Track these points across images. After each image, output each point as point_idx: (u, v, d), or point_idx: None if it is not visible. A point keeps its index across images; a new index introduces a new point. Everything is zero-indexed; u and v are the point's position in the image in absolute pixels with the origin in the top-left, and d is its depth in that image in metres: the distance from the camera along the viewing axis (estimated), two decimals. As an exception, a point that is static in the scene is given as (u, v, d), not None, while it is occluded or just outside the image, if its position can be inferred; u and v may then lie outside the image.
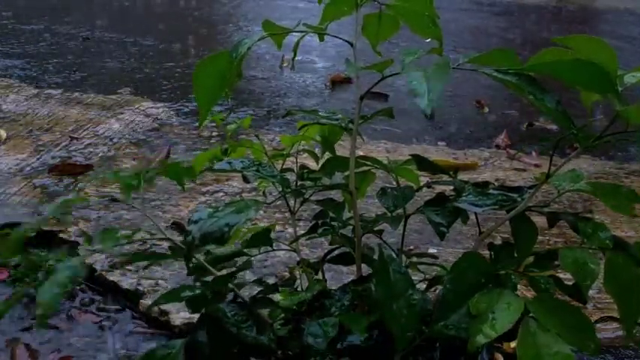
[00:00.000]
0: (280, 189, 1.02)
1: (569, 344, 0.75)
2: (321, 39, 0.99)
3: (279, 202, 1.15)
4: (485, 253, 0.90)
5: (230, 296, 0.95)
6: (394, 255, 0.89)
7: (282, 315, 0.94)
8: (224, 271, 1.01)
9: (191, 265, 0.96)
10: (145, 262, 1.08)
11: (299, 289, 1.05)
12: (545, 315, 0.78)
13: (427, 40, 0.99)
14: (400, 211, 1.00)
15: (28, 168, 2.02)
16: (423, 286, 1.01)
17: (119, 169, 0.98)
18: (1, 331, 1.30)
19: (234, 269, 1.00)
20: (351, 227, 1.00)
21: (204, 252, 0.98)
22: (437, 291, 0.96)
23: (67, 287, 0.74)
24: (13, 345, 1.26)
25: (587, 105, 0.89)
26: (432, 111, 0.74)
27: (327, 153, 1.09)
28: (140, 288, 1.42)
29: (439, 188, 1.09)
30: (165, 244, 1.56)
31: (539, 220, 0.94)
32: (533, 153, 2.31)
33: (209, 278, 0.95)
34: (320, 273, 1.06)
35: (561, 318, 0.78)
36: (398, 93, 2.78)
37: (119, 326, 1.34)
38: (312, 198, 1.05)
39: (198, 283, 0.92)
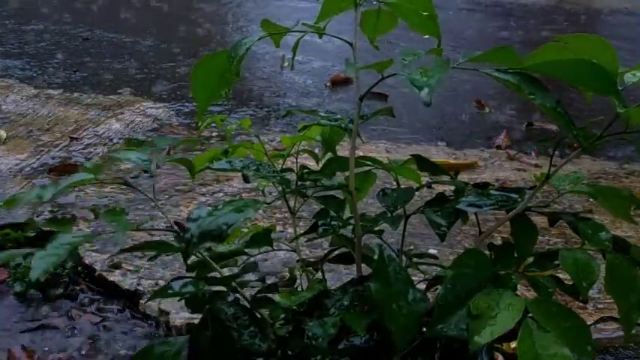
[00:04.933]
0: (280, 189, 1.02)
1: (566, 346, 0.75)
2: (320, 37, 0.99)
3: (279, 202, 1.14)
4: (486, 253, 0.90)
5: (231, 296, 0.94)
6: (394, 255, 0.89)
7: (283, 315, 0.94)
8: (226, 270, 1.01)
9: (191, 261, 0.96)
10: (147, 263, 1.08)
11: (299, 289, 1.05)
12: (544, 317, 0.78)
13: (426, 37, 0.98)
14: (400, 211, 1.00)
15: (28, 168, 2.02)
16: (423, 286, 1.00)
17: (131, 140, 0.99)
18: (1, 333, 1.30)
19: (236, 269, 1.00)
20: (351, 227, 1.00)
21: (205, 249, 0.98)
22: (437, 291, 0.96)
23: (62, 257, 0.74)
24: (9, 347, 1.26)
25: (589, 99, 0.89)
26: (430, 99, 0.74)
27: (327, 153, 1.08)
28: (140, 288, 1.42)
29: (439, 188, 1.09)
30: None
31: (539, 220, 0.94)
32: (533, 153, 2.31)
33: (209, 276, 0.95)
34: (320, 273, 1.06)
35: (559, 321, 0.78)
36: (398, 93, 2.78)
37: (119, 326, 1.34)
38: (312, 198, 1.05)
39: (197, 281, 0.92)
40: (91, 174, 0.89)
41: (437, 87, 0.76)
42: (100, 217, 0.88)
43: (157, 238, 1.56)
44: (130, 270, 1.48)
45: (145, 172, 1.00)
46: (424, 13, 0.94)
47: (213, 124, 1.15)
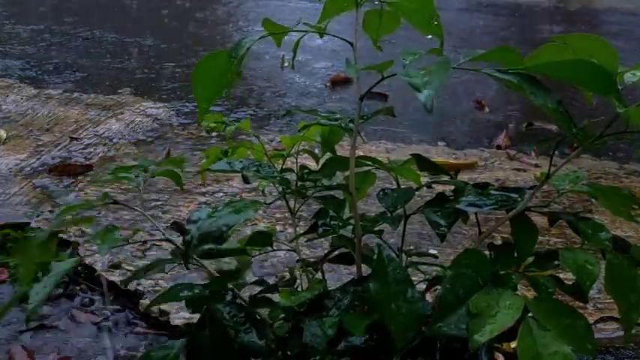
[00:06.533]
0: (280, 189, 1.02)
1: (566, 344, 0.75)
2: (322, 37, 0.99)
3: (279, 202, 1.15)
4: (486, 253, 0.90)
5: (230, 296, 0.95)
6: (394, 255, 0.89)
7: (282, 315, 0.94)
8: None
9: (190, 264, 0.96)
10: (147, 263, 1.09)
11: (299, 289, 1.05)
12: (544, 315, 0.78)
13: (428, 37, 0.98)
14: (400, 211, 1.00)
15: (28, 168, 2.02)
16: (423, 286, 1.00)
17: (118, 167, 1.00)
18: (1, 333, 1.30)
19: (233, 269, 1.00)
20: (351, 227, 1.00)
21: (205, 250, 0.98)
22: (437, 291, 0.96)
23: (56, 283, 0.82)
24: (10, 346, 1.26)
25: (589, 100, 0.89)
26: (431, 104, 0.74)
27: (327, 153, 1.08)
28: (140, 288, 1.42)
29: (439, 188, 1.09)
30: (166, 245, 1.56)
31: (539, 220, 0.94)
32: (533, 153, 2.31)
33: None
34: (320, 273, 1.06)
35: (559, 319, 0.78)
36: (398, 93, 2.78)
37: (119, 326, 1.34)
38: (312, 198, 1.05)
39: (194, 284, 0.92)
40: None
41: (438, 88, 0.75)
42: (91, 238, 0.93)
43: (156, 238, 1.56)
44: (129, 270, 1.48)
45: (145, 171, 1.00)
46: (426, 13, 0.94)
47: (214, 124, 1.15)
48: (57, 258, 0.84)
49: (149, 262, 0.98)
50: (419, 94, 0.75)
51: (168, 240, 0.94)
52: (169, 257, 0.94)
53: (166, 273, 1.28)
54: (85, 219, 0.92)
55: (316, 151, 1.16)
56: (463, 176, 1.98)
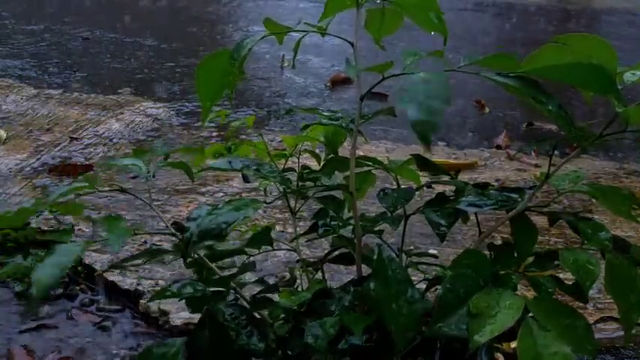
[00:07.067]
0: (281, 189, 1.02)
1: (566, 345, 0.75)
2: (323, 37, 0.99)
3: (279, 202, 1.15)
4: (486, 253, 0.90)
5: (231, 296, 0.95)
6: (394, 255, 0.89)
7: (283, 315, 0.94)
8: (225, 269, 1.01)
9: (189, 260, 0.96)
10: (147, 263, 1.08)
11: (299, 289, 1.05)
12: (544, 316, 0.78)
13: (429, 37, 0.98)
14: (400, 211, 1.00)
15: (28, 168, 2.02)
16: (423, 286, 1.00)
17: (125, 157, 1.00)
18: (1, 333, 1.30)
19: (235, 269, 1.00)
20: (351, 227, 1.00)
21: (205, 248, 0.98)
22: (437, 291, 0.96)
23: (66, 269, 0.75)
24: (10, 346, 1.26)
25: (588, 99, 0.89)
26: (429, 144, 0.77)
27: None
28: (140, 288, 1.42)
29: (439, 188, 1.09)
30: (166, 244, 1.56)
31: (539, 220, 0.94)
32: (533, 153, 2.31)
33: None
34: (320, 273, 1.06)
35: (559, 319, 0.78)
36: (398, 93, 2.78)
37: (119, 326, 1.34)
38: (312, 198, 1.05)
39: (197, 281, 0.92)
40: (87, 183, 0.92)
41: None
42: (97, 224, 0.90)
43: (156, 238, 1.57)
44: (129, 269, 1.48)
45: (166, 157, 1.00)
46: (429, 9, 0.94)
47: (213, 125, 1.15)
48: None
49: (148, 251, 0.97)
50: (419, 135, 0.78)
51: (172, 234, 0.94)
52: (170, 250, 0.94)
53: (166, 263, 1.27)
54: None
55: (317, 151, 1.16)
56: (463, 176, 1.98)
